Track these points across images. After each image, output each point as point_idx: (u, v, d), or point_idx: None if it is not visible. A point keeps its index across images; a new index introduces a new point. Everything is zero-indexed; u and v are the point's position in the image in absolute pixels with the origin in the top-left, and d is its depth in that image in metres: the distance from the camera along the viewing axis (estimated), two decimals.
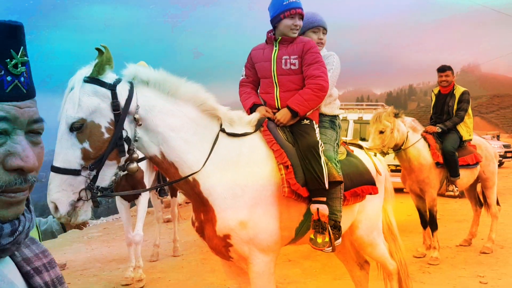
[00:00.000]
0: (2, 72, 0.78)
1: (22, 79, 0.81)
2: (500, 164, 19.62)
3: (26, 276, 0.91)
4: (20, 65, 0.80)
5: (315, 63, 2.85)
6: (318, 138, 2.84)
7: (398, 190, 8.95)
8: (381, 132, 5.98)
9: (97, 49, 2.26)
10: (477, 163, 6.55)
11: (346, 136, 11.29)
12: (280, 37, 2.95)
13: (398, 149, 6.19)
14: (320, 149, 2.78)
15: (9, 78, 0.78)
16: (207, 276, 5.75)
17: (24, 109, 0.81)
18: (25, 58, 0.81)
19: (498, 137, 30.00)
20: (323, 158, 2.75)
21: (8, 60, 0.78)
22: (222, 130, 2.62)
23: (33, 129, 0.84)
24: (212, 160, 2.54)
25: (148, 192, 5.89)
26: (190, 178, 2.51)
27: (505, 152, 20.16)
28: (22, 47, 0.80)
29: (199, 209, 2.64)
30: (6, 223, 0.82)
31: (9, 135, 0.79)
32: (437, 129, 6.41)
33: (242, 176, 2.60)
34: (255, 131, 2.79)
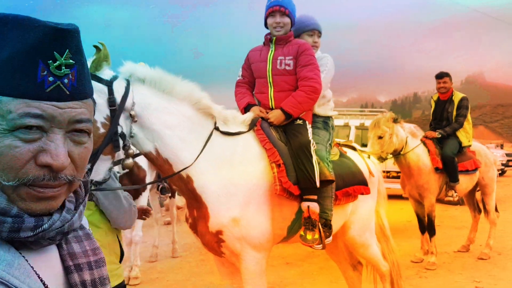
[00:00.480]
0: (45, 72, 0.79)
1: (65, 80, 0.81)
2: (503, 172, 19.59)
3: (66, 271, 0.90)
4: (64, 67, 0.81)
5: (309, 65, 2.91)
6: (310, 138, 2.89)
7: (399, 197, 9.01)
8: (380, 138, 6.02)
9: (95, 46, 2.33)
10: (476, 169, 6.58)
11: None
12: (274, 37, 3.02)
13: (397, 154, 6.23)
14: (312, 148, 2.83)
15: (51, 78, 0.80)
16: (205, 277, 5.79)
17: (65, 109, 0.82)
18: (71, 61, 0.82)
19: (502, 146, 29.98)
20: (314, 157, 2.80)
21: (51, 61, 0.80)
22: (217, 128, 2.67)
23: (76, 128, 0.84)
24: (206, 157, 2.59)
25: (148, 191, 5.95)
26: (184, 174, 2.56)
27: (507, 161, 20.13)
28: (67, 50, 0.81)
29: (192, 205, 2.69)
30: (34, 216, 0.82)
31: (46, 132, 0.80)
32: (437, 134, 6.45)
33: (236, 174, 2.66)
34: (249, 130, 2.84)
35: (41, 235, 0.83)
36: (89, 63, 2.30)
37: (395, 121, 6.08)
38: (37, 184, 0.80)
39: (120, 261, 2.63)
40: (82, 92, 0.85)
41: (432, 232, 6.29)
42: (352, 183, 3.13)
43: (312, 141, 2.88)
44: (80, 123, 0.85)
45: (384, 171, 11.43)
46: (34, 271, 0.83)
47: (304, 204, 2.77)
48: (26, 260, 0.83)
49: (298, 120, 2.94)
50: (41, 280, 0.83)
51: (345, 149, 3.45)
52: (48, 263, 0.88)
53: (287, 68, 2.96)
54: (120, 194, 2.56)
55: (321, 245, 2.79)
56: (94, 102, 0.92)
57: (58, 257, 0.91)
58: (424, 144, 6.38)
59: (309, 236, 2.74)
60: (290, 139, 2.88)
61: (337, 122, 12.97)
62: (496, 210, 7.01)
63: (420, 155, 6.25)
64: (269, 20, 3.03)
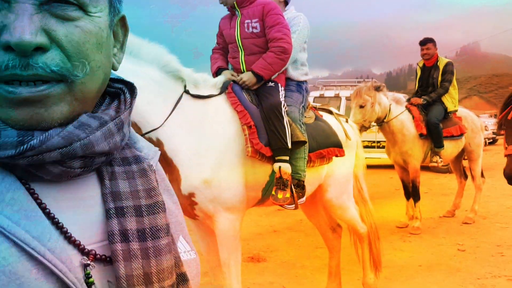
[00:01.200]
0: None
1: None
2: (494, 141, 19.74)
3: (106, 216, 0.68)
4: None
5: (276, 25, 2.87)
6: (282, 100, 2.88)
7: (389, 166, 9.07)
8: (361, 107, 6.01)
9: None
10: (461, 135, 6.60)
11: None
12: (234, 2, 2.97)
13: (381, 122, 6.24)
14: (283, 109, 2.83)
15: None
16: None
17: None
18: None
19: (495, 116, 30.07)
20: (286, 119, 2.81)
21: None
22: (187, 91, 2.66)
23: None
24: (176, 121, 2.58)
25: None
26: (154, 138, 2.55)
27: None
28: None
29: (164, 169, 2.69)
30: (20, 130, 0.60)
31: (8, 2, 0.57)
32: (422, 100, 6.46)
33: (207, 136, 2.66)
34: (220, 93, 2.83)
35: (35, 158, 0.59)
36: None
37: (377, 89, 6.06)
38: (7, 78, 0.57)
39: None
40: None
41: (416, 198, 6.35)
42: (326, 145, 3.14)
43: (283, 102, 2.87)
44: None
45: (374, 141, 11.57)
46: (47, 210, 0.62)
47: (276, 165, 2.79)
48: (35, 194, 0.62)
49: (270, 83, 2.93)
50: (57, 222, 0.62)
51: (321, 112, 3.45)
52: (80, 203, 0.67)
53: (254, 31, 2.93)
54: None
55: (293, 205, 2.82)
56: None
57: (99, 197, 0.70)
58: (409, 110, 6.39)
59: (280, 195, 2.77)
60: (261, 101, 2.88)
61: (328, 93, 13.02)
62: (482, 176, 7.07)
63: (404, 122, 6.27)
64: None
